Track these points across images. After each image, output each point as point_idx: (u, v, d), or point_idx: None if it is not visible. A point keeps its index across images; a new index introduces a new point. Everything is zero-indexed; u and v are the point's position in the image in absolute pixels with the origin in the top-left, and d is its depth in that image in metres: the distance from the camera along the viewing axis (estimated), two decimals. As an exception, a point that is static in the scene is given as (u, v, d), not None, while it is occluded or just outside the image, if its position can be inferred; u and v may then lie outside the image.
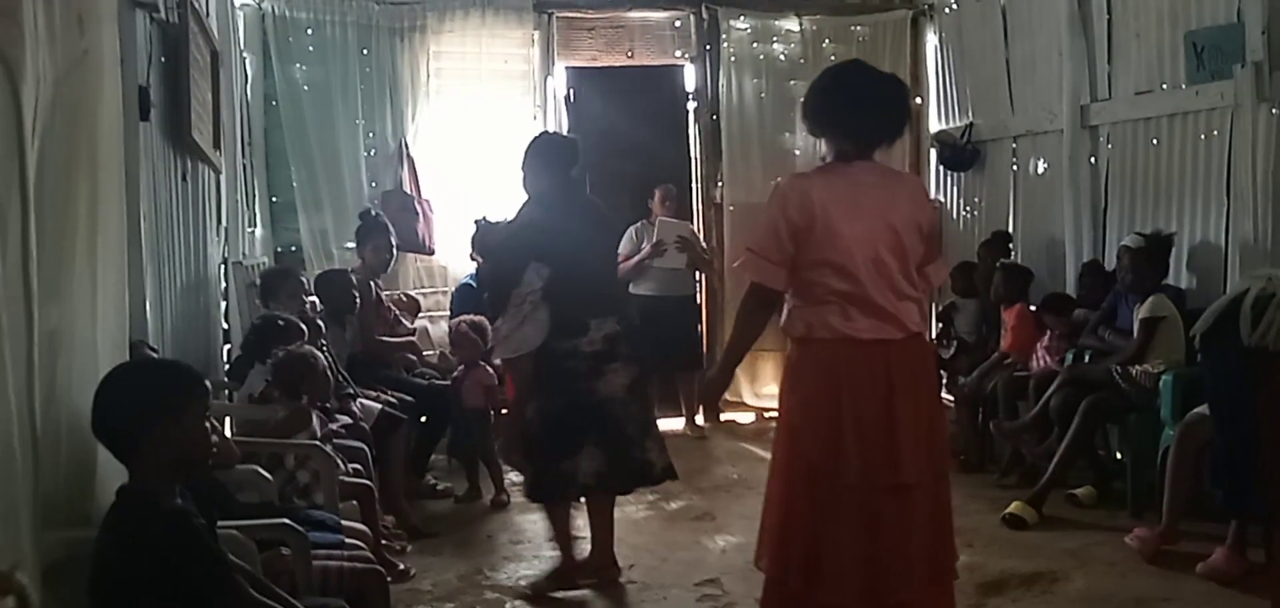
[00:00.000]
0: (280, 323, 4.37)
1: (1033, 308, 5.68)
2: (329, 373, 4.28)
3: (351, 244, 6.10)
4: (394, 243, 5.85)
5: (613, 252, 4.38)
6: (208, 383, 2.50)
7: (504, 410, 5.05)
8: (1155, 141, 5.39)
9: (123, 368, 2.39)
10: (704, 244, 7.08)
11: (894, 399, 2.83)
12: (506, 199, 6.66)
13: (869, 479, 2.81)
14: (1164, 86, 5.32)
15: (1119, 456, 5.14)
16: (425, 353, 6.21)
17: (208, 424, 2.39)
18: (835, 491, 2.83)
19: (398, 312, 5.97)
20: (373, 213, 5.94)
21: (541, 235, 4.00)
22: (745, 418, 7.30)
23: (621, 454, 4.04)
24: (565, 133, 4.39)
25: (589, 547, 4.29)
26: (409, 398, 5.28)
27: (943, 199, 7.38)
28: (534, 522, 4.96)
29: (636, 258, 6.67)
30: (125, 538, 2.21)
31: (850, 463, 2.80)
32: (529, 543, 4.71)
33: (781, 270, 2.87)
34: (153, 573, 2.18)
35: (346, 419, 4.53)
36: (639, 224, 6.78)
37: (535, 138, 4.40)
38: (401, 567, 4.24)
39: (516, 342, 3.96)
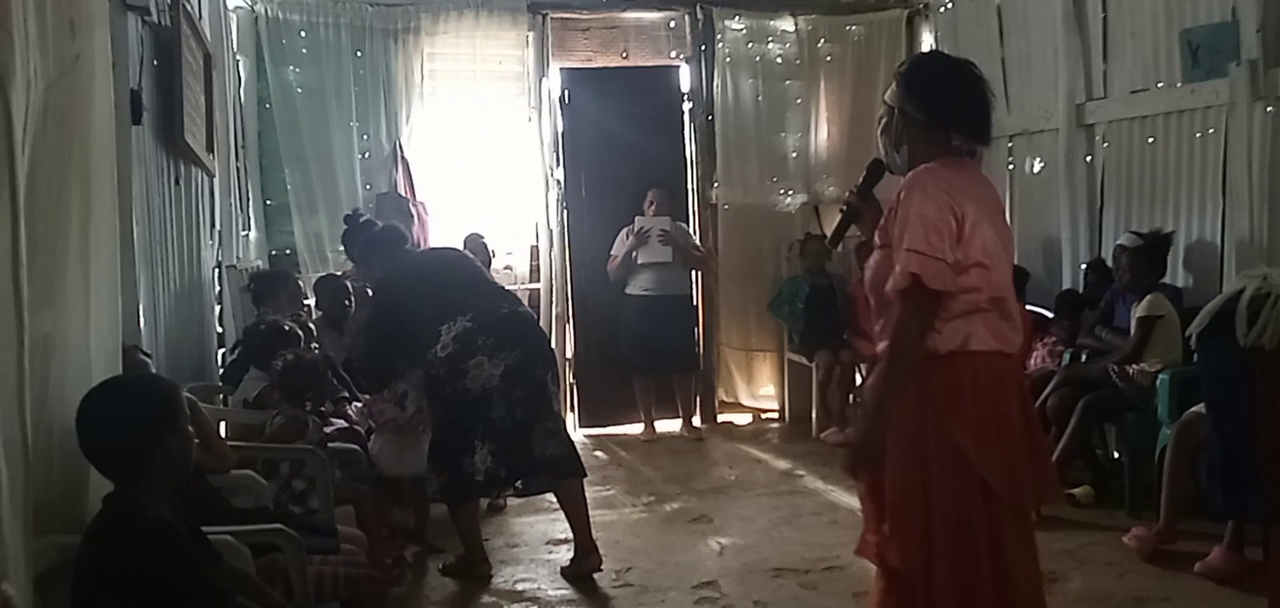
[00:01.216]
0: (286, 328, 4.35)
1: (1030, 307, 5.66)
2: (331, 379, 4.28)
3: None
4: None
5: (461, 260, 4.66)
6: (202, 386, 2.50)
7: None
8: (1151, 140, 5.38)
9: (107, 394, 2.36)
10: (696, 241, 7.07)
11: (1028, 411, 2.63)
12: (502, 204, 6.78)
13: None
14: (1159, 85, 5.31)
15: (1116, 455, 5.14)
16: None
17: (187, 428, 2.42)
18: (1017, 517, 2.55)
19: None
20: (362, 217, 5.83)
21: (391, 303, 4.35)
22: (742, 419, 7.30)
23: (514, 446, 4.17)
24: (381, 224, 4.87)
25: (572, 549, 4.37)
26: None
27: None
28: (530, 525, 4.95)
29: (621, 254, 6.68)
30: (112, 549, 2.20)
31: (1029, 484, 2.56)
32: (526, 547, 4.70)
33: (952, 274, 2.46)
34: (139, 585, 2.18)
35: (342, 424, 4.51)
36: (630, 224, 6.78)
37: (363, 240, 4.70)
38: (397, 572, 4.22)
39: (400, 468, 4.42)
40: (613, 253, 6.78)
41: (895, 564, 2.59)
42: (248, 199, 6.45)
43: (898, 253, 2.47)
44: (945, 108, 2.60)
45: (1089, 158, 5.84)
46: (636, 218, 6.74)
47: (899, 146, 2.64)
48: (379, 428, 4.41)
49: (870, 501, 2.68)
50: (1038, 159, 6.31)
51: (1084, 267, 5.71)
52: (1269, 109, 4.58)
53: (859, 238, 3.05)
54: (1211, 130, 4.99)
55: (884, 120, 2.69)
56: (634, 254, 6.70)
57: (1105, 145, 5.75)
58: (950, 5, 7.06)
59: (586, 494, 4.39)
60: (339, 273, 5.70)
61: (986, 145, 2.67)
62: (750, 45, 7.26)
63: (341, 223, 6.06)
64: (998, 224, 2.59)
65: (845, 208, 2.86)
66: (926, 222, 2.45)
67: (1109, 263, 5.46)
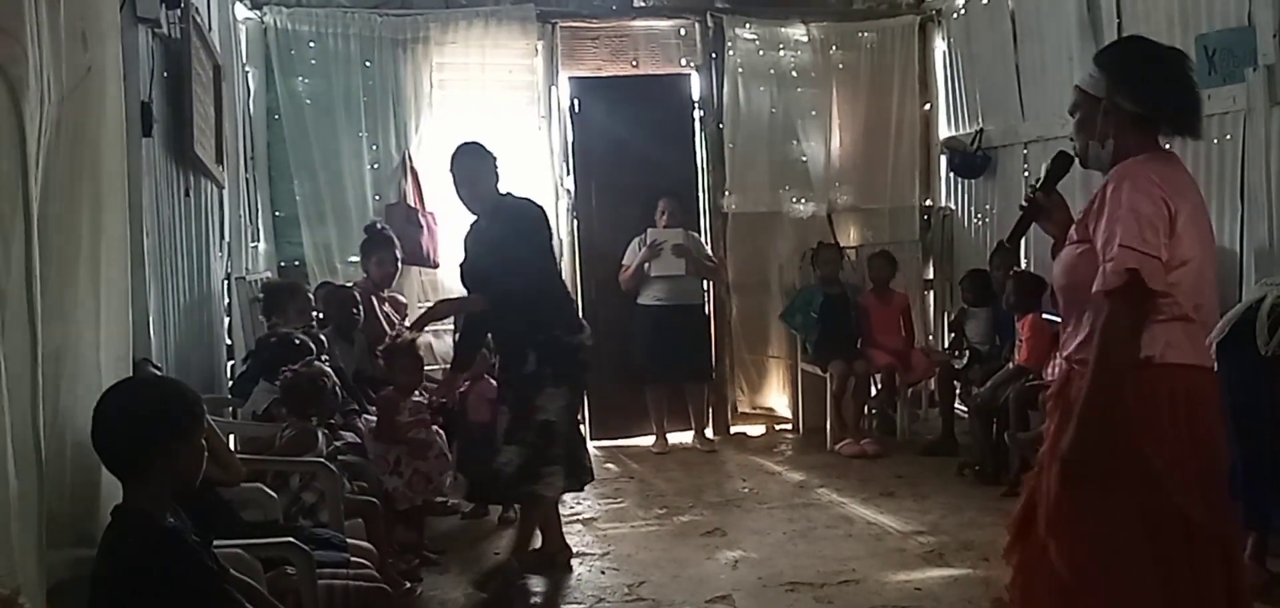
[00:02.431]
0: (296, 342, 4.33)
1: (1047, 316, 5.62)
2: (336, 391, 4.25)
3: (355, 257, 6.06)
4: (399, 257, 5.80)
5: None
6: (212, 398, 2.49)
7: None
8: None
9: (127, 387, 2.38)
10: (709, 252, 7.04)
11: (1222, 429, 2.47)
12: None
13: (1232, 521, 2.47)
14: (1175, 91, 5.27)
15: (1134, 465, 5.08)
16: (429, 368, 6.15)
17: (201, 441, 2.40)
18: (1214, 544, 2.38)
19: (394, 315, 5.91)
20: (379, 226, 5.90)
21: (531, 241, 4.24)
22: (755, 431, 7.25)
23: (580, 455, 4.57)
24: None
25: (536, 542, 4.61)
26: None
27: (954, 207, 7.34)
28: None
29: (634, 265, 6.66)
30: (126, 560, 2.19)
31: (1227, 507, 2.41)
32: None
33: (1164, 273, 2.31)
34: (153, 595, 2.17)
35: (351, 436, 4.48)
36: (642, 234, 6.76)
37: (466, 146, 4.39)
38: (408, 584, 4.19)
39: (430, 492, 4.56)
40: (625, 263, 6.75)
41: (1063, 574, 2.44)
42: (257, 210, 6.45)
43: (1107, 249, 2.33)
44: (1161, 100, 2.46)
45: (1105, 165, 5.78)
46: (649, 229, 6.72)
47: (1104, 141, 2.49)
48: (403, 451, 4.43)
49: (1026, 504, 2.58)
50: (1053, 166, 6.25)
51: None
52: (1287, 115, 4.54)
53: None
54: (1228, 136, 4.95)
55: (1081, 113, 2.55)
56: (647, 266, 6.67)
57: (1122, 152, 5.69)
58: (963, 11, 7.03)
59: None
60: (349, 284, 5.68)
61: (1198, 138, 2.58)
62: (761, 53, 7.22)
63: (348, 234, 6.16)
64: (1202, 225, 2.45)
65: (1026, 204, 2.74)
66: (1141, 217, 2.30)
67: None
